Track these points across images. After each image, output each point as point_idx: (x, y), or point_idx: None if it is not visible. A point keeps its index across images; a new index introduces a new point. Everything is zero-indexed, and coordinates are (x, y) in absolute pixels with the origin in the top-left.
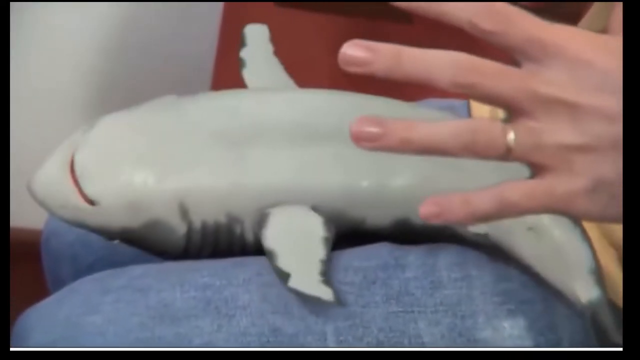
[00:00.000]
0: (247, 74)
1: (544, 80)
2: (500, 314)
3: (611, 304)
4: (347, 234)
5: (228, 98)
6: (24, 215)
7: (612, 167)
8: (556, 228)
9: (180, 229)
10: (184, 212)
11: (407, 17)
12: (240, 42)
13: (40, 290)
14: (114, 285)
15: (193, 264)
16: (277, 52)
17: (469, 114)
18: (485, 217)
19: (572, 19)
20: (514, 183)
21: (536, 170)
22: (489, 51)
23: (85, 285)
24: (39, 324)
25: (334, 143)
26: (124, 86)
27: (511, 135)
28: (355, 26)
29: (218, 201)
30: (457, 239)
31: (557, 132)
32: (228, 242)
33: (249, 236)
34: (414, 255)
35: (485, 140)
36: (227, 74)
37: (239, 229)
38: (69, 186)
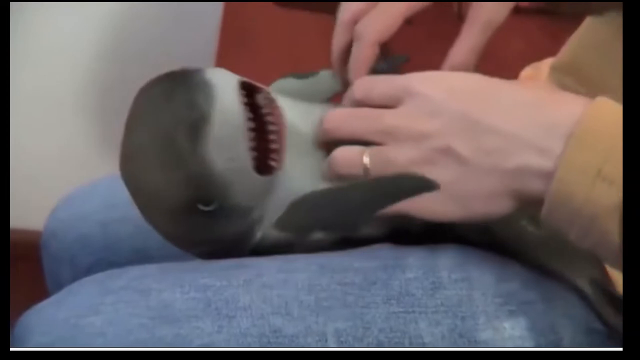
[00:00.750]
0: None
1: (392, 114)
2: (501, 314)
3: (611, 285)
4: (346, 238)
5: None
6: (22, 216)
7: (446, 173)
8: None
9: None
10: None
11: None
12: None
13: (39, 292)
14: (113, 286)
15: (193, 265)
16: (277, 53)
17: None
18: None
19: (572, 19)
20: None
21: None
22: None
23: (85, 286)
24: (39, 325)
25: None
26: (123, 86)
27: (366, 158)
28: None
29: (265, 196)
30: (458, 238)
31: (401, 151)
32: (242, 239)
33: (257, 236)
34: (414, 256)
35: (346, 163)
36: None
37: (257, 227)
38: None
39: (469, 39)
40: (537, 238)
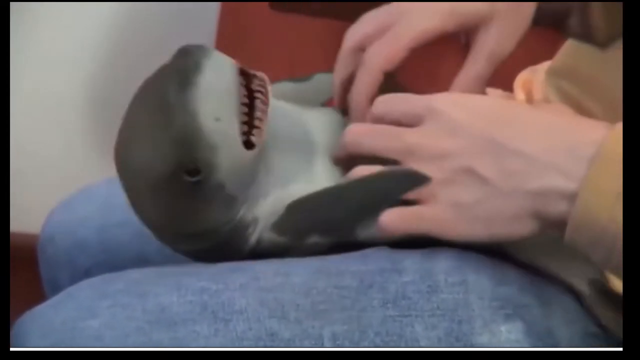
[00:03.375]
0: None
1: (413, 132)
2: (498, 318)
3: (609, 289)
4: (344, 242)
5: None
6: (20, 219)
7: (469, 193)
8: None
9: (237, 214)
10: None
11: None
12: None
13: (36, 295)
14: (110, 290)
15: (190, 269)
16: (274, 54)
17: None
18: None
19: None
20: (387, 212)
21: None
22: None
23: (82, 289)
24: (36, 329)
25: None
26: (120, 88)
27: None
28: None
29: (257, 199)
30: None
31: (421, 170)
32: (236, 241)
33: (253, 239)
34: (411, 260)
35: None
36: None
37: (252, 230)
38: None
39: (473, 68)
40: (534, 239)
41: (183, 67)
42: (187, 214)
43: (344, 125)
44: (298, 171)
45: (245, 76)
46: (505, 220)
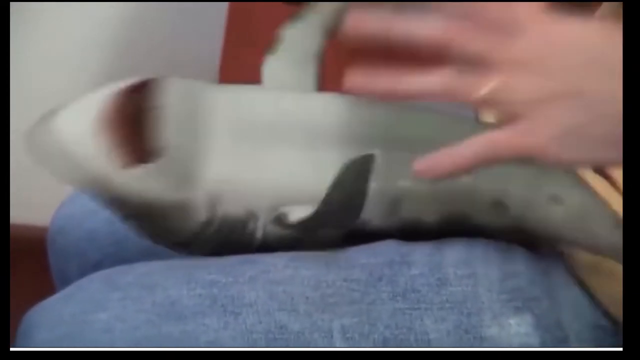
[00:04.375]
0: (272, 62)
1: (522, 43)
2: (507, 311)
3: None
4: (354, 233)
5: (244, 92)
6: (28, 211)
7: (575, 114)
8: (574, 191)
9: (201, 216)
10: (212, 202)
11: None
12: (294, 19)
13: (45, 287)
14: (120, 283)
15: (200, 262)
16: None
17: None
18: (471, 163)
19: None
20: (490, 133)
21: (510, 119)
22: None
23: (92, 282)
24: (45, 321)
25: (342, 146)
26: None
27: (488, 85)
28: None
29: (242, 195)
30: (474, 230)
31: (528, 85)
32: (238, 237)
33: (259, 234)
34: (420, 252)
35: (466, 87)
36: (233, 73)
37: (252, 226)
38: (114, 140)
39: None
40: (561, 215)
41: None
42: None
43: (356, 110)
44: (294, 161)
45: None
46: (608, 145)
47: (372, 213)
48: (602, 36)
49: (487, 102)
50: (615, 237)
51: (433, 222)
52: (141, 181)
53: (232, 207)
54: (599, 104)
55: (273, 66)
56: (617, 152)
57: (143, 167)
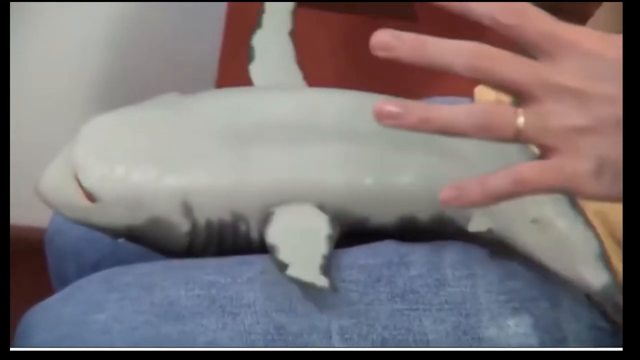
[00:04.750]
0: (254, 69)
1: (554, 70)
2: (505, 312)
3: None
4: (351, 232)
5: (231, 96)
6: (27, 213)
7: (614, 147)
8: (560, 218)
9: (184, 226)
10: (187, 210)
11: (411, 15)
12: (256, 25)
13: (43, 288)
14: (119, 283)
15: (198, 262)
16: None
17: None
18: (501, 196)
19: (577, 19)
20: (526, 163)
21: (545, 152)
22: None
23: (90, 283)
24: (44, 322)
25: (337, 141)
26: (127, 86)
27: (521, 118)
28: (359, 23)
29: (222, 199)
30: (462, 236)
31: (564, 115)
32: (233, 240)
33: (254, 234)
34: (418, 253)
35: (498, 121)
36: (232, 74)
37: (244, 227)
38: (73, 185)
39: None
40: (541, 240)
41: None
42: (160, 249)
43: (349, 106)
44: (287, 161)
45: None
46: None
47: (368, 210)
48: None
49: (521, 137)
50: (596, 268)
51: (427, 221)
52: (103, 214)
53: (211, 213)
54: None
55: (255, 73)
56: None
57: (96, 204)
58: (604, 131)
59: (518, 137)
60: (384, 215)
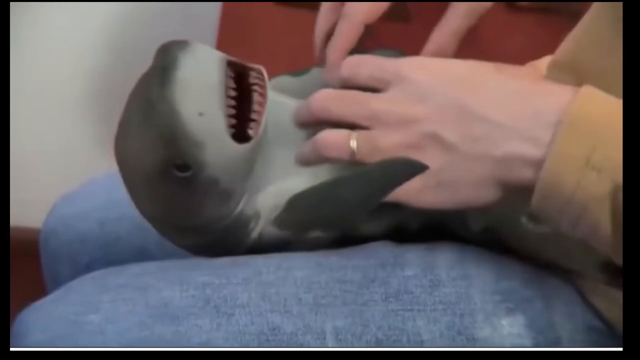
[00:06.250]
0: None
1: (378, 99)
2: (500, 312)
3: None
4: (344, 238)
5: None
6: (21, 214)
7: (434, 158)
8: None
9: (234, 204)
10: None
11: (405, 16)
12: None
13: (38, 289)
14: (112, 284)
15: (192, 263)
16: (275, 52)
17: None
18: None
19: (570, 16)
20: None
21: None
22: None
23: (84, 284)
24: (37, 323)
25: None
26: (123, 86)
27: (353, 142)
28: None
29: (257, 194)
30: (458, 237)
31: (388, 136)
32: (234, 238)
33: (255, 234)
34: (413, 254)
35: (333, 146)
36: None
37: (253, 225)
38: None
39: (451, 22)
40: (538, 235)
41: (162, 64)
42: (183, 208)
43: None
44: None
45: (238, 68)
46: (470, 187)
47: (359, 217)
48: (460, 79)
49: (357, 157)
50: (592, 258)
51: (416, 228)
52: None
53: (248, 205)
54: (456, 147)
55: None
56: (484, 194)
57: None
58: (421, 146)
59: (354, 158)
60: (373, 223)
